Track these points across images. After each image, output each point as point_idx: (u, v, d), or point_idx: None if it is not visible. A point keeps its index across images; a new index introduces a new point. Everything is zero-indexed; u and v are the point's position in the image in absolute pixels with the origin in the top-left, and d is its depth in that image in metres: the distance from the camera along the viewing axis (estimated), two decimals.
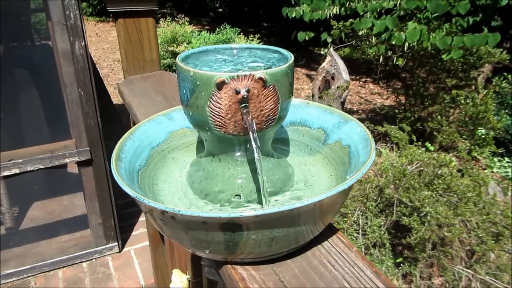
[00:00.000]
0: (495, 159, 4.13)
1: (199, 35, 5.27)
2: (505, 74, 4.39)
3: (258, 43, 5.36)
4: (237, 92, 0.56)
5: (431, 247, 2.74)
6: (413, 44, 3.73)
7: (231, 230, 0.52)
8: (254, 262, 0.60)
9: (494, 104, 3.49)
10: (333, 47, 4.17)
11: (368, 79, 6.21)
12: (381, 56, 4.19)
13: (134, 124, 1.43)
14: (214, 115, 0.59)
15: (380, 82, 6.09)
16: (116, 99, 5.02)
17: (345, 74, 4.09)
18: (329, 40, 3.98)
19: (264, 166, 0.66)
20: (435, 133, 3.71)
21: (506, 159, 4.12)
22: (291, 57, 0.62)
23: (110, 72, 6.05)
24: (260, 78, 0.56)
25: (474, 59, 4.16)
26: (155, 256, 1.65)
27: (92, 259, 1.97)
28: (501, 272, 2.67)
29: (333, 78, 4.14)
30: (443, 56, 3.65)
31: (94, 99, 1.69)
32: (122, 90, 1.22)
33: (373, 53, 4.23)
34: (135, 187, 0.62)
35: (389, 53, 4.21)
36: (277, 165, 0.68)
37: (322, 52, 4.18)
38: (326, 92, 4.12)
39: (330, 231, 0.66)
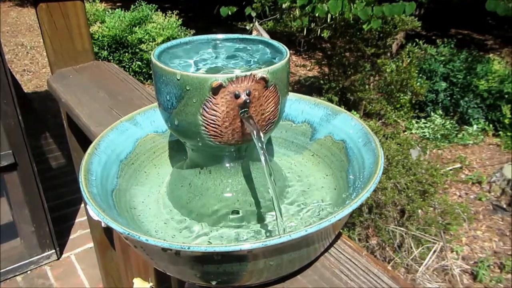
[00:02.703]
0: (413, 121, 4.37)
1: (112, 13, 4.92)
2: (417, 40, 4.63)
3: (177, 20, 5.14)
4: (237, 96, 0.48)
5: (367, 211, 2.86)
6: (336, 15, 3.77)
7: (247, 260, 0.45)
8: (263, 284, 0.54)
9: (416, 71, 3.67)
10: (258, 21, 4.10)
11: (291, 51, 6.23)
12: (305, 29, 4.21)
13: (69, 120, 1.26)
14: (208, 124, 0.50)
15: (302, 53, 6.15)
16: (25, 88, 4.58)
17: None
18: (253, 14, 3.90)
19: (259, 174, 0.59)
20: (364, 102, 3.83)
21: (423, 120, 4.38)
22: (285, 50, 0.54)
23: (14, 58, 5.48)
24: (262, 78, 0.48)
25: (390, 28, 4.32)
26: (104, 262, 1.52)
27: (27, 271, 1.78)
28: (429, 226, 2.86)
29: None
30: (364, 26, 3.74)
31: (12, 95, 1.48)
32: (54, 87, 1.06)
33: (296, 26, 4.23)
34: (114, 214, 0.52)
35: (312, 25, 4.23)
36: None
37: (247, 27, 4.10)
38: None
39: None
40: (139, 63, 4.61)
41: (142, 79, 4.60)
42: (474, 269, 2.77)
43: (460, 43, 4.99)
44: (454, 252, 3.05)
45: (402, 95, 3.96)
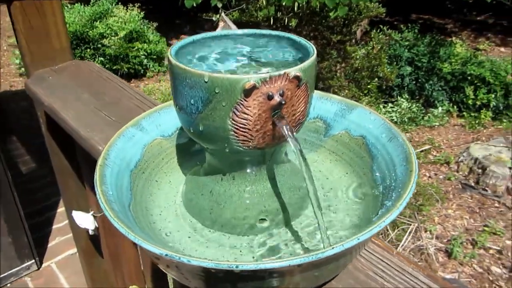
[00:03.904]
0: (381, 106, 4.45)
1: (71, 8, 4.73)
2: (381, 26, 4.69)
3: (139, 13, 5.00)
4: (270, 98, 0.44)
5: None
6: (302, 4, 3.76)
7: (294, 274, 0.42)
8: None
9: (387, 58, 3.72)
10: (224, 12, 4.03)
11: None
12: (271, 18, 4.18)
13: (48, 124, 1.18)
14: (238, 128, 0.46)
15: None
16: None
17: None
18: (220, 5, 3.83)
19: (284, 178, 0.56)
20: (336, 90, 3.86)
21: (390, 104, 4.45)
22: (310, 45, 0.51)
23: None
24: (296, 77, 0.45)
25: (355, 15, 4.35)
26: (90, 270, 1.46)
27: (7, 284, 1.68)
28: (404, 209, 2.93)
29: None
30: (331, 14, 3.75)
31: None
32: (35, 90, 0.99)
33: (263, 16, 4.20)
34: (137, 231, 0.47)
35: (279, 14, 4.21)
36: (292, 171, 0.58)
37: (213, 18, 4.03)
38: None
39: None
40: (102, 58, 4.45)
41: None
42: (448, 247, 2.84)
43: (422, 28, 5.09)
44: (428, 232, 3.12)
45: (370, 81, 4.01)
